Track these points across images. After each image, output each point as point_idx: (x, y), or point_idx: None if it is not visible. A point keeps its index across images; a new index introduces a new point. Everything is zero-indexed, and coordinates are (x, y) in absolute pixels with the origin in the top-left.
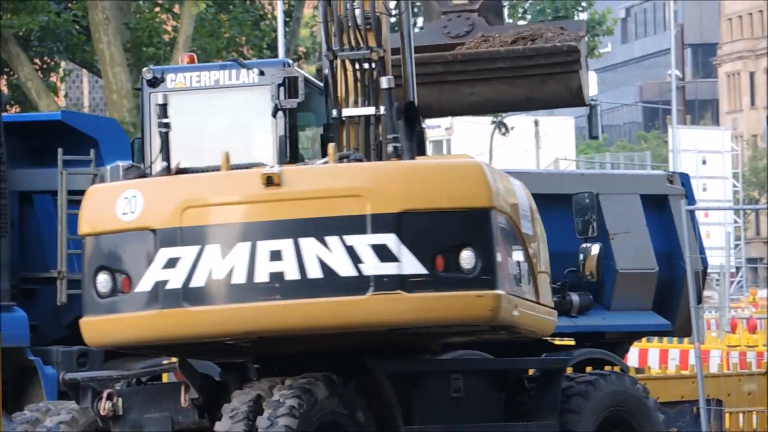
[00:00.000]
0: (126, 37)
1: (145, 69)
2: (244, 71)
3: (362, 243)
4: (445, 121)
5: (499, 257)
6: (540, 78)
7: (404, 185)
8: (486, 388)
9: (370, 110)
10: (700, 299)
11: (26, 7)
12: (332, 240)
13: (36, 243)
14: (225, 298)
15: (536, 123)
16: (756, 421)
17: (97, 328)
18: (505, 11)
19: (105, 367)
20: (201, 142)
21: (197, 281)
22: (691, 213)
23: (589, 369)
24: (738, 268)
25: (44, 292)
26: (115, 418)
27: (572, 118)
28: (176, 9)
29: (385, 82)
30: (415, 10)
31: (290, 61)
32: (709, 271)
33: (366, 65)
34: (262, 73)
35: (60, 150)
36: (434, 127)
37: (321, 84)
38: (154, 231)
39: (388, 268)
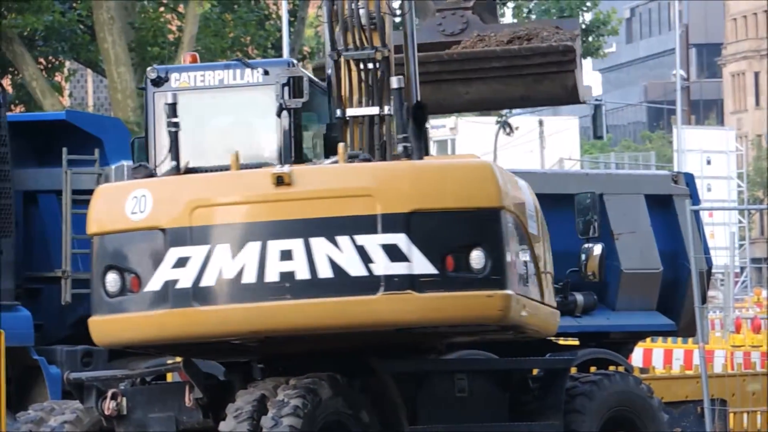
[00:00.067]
0: (131, 37)
1: (149, 68)
2: (248, 71)
3: (373, 243)
4: (449, 121)
5: (508, 257)
6: (535, 77)
7: (414, 185)
8: (490, 388)
9: (374, 110)
10: (704, 299)
11: (31, 6)
12: (343, 240)
13: (40, 242)
14: (235, 297)
15: (541, 123)
16: (760, 421)
17: (106, 327)
18: (510, 12)
19: (109, 366)
20: (205, 142)
21: (207, 281)
22: (696, 213)
23: (593, 369)
24: (742, 268)
25: (49, 291)
26: (119, 418)
27: (577, 118)
28: (181, 9)
29: (395, 82)
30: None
31: (295, 61)
32: (713, 271)
33: (370, 65)
34: (266, 73)
35: (64, 149)
36: (439, 127)
37: (323, 84)
38: (163, 230)
39: (399, 268)
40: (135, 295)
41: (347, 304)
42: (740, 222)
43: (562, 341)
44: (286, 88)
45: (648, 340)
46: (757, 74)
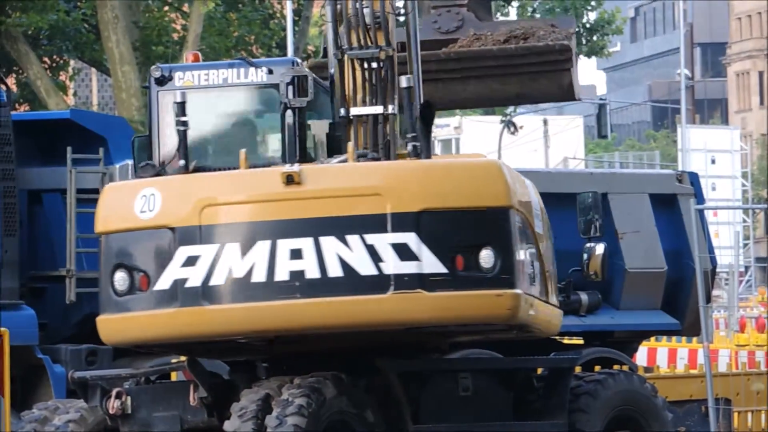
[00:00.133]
0: (135, 36)
1: (153, 67)
2: (252, 70)
3: (383, 242)
4: (454, 120)
5: (517, 256)
6: (532, 76)
7: (424, 184)
8: (495, 387)
9: (378, 109)
10: (709, 298)
11: (35, 5)
12: (353, 239)
13: (45, 241)
14: (245, 296)
15: (545, 122)
16: (764, 420)
17: (115, 326)
18: (514, 11)
19: (114, 365)
20: (208, 141)
21: (217, 280)
22: (700, 212)
23: (597, 368)
24: (747, 268)
25: (53, 290)
26: (123, 417)
27: (581, 117)
28: (185, 8)
29: (404, 81)
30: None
31: (299, 60)
32: (718, 270)
33: (374, 64)
34: (270, 72)
35: (69, 148)
36: (443, 126)
37: (325, 83)
38: (172, 229)
39: (409, 267)
40: (144, 293)
41: (357, 303)
42: (744, 221)
43: (566, 340)
44: (290, 87)
45: (652, 339)
46: (761, 73)
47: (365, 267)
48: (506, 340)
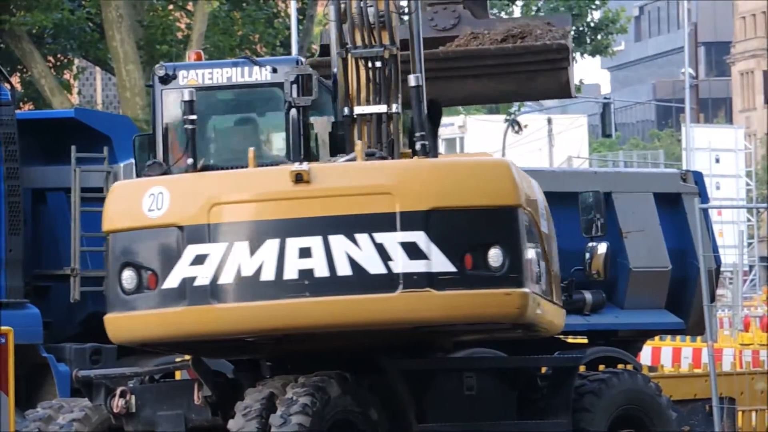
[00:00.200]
0: (139, 35)
1: (157, 66)
2: (256, 68)
3: (392, 240)
4: (458, 119)
5: (525, 255)
6: (529, 74)
7: (433, 183)
8: (499, 386)
9: (382, 108)
10: (713, 297)
11: (40, 4)
12: (362, 237)
13: (49, 240)
14: (253, 295)
15: (549, 121)
16: None
17: (122, 324)
18: (519, 10)
19: (118, 364)
20: (212, 139)
21: (225, 278)
22: (705, 211)
23: (602, 367)
24: (751, 267)
25: (57, 289)
26: (128, 416)
27: (585, 116)
28: (190, 6)
29: (412, 80)
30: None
31: (303, 59)
32: (722, 269)
33: (378, 63)
34: (274, 71)
35: (73, 147)
36: (447, 125)
37: (327, 82)
38: (181, 228)
39: (418, 266)
40: (152, 292)
41: (366, 302)
42: (749, 220)
43: (570, 339)
44: (295, 86)
45: (657, 338)
46: (765, 72)
47: (374, 266)
48: (510, 339)
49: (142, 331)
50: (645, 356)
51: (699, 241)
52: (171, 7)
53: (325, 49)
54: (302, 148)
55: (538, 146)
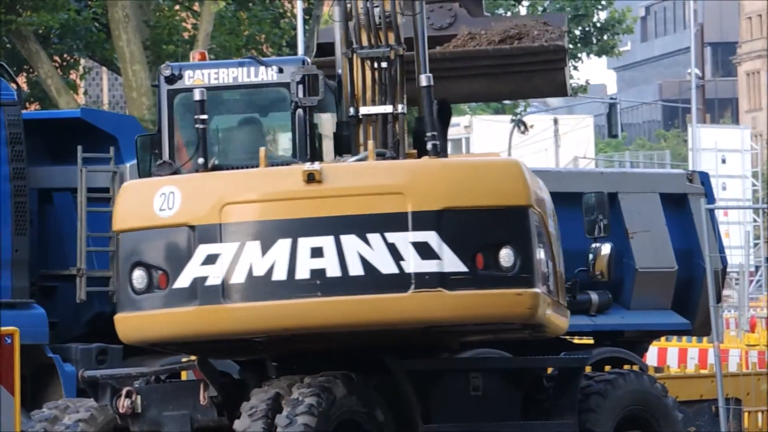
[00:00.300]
0: (145, 35)
1: (162, 66)
2: (262, 68)
3: (403, 240)
4: (464, 119)
5: (535, 256)
6: (527, 75)
7: (444, 183)
8: (505, 387)
9: (387, 108)
10: (719, 298)
11: (46, 4)
12: (373, 237)
13: (55, 240)
14: (265, 294)
15: (555, 121)
16: None
17: (133, 324)
18: (524, 10)
19: (124, 364)
20: (218, 139)
21: (237, 278)
22: (711, 212)
23: (608, 368)
24: (757, 267)
25: (63, 289)
26: (133, 416)
27: (591, 117)
28: (196, 7)
29: (424, 80)
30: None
31: (309, 59)
32: (728, 270)
33: (384, 63)
34: (280, 71)
35: (80, 147)
36: (454, 125)
37: (331, 82)
38: (192, 227)
39: (430, 266)
40: (163, 292)
41: (378, 302)
42: (755, 221)
43: (576, 340)
44: (301, 86)
45: (663, 339)
46: None
47: (386, 265)
48: (516, 340)
49: (152, 330)
50: (651, 357)
51: (705, 242)
52: (177, 7)
53: (322, 48)
54: (308, 148)
55: (544, 146)
